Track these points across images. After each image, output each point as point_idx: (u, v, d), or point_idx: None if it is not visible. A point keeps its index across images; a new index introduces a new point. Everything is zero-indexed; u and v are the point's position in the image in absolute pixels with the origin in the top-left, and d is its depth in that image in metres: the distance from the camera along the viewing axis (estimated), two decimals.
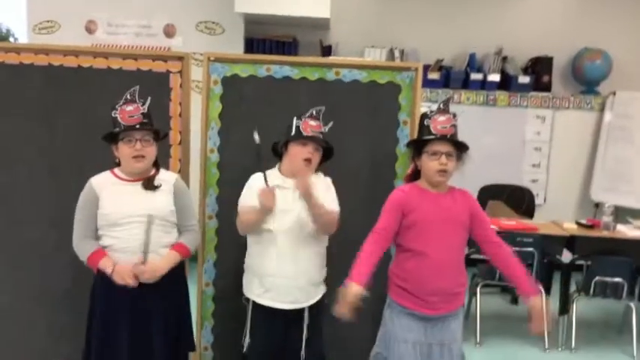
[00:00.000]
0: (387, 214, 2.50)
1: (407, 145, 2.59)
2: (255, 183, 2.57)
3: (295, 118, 2.54)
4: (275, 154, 2.63)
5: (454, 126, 2.44)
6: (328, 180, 2.66)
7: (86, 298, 2.66)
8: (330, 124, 2.58)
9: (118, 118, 2.44)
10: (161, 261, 2.47)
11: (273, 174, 2.59)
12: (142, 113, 2.46)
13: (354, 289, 2.32)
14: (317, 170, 2.64)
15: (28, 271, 3.06)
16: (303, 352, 2.57)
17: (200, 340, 3.09)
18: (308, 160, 2.51)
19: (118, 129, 2.44)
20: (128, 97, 2.47)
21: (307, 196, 2.43)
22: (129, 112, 2.44)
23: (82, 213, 2.51)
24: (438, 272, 2.41)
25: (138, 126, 2.43)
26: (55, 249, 3.00)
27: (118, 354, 2.50)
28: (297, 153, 2.52)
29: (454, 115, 2.47)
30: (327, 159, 2.64)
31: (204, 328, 3.09)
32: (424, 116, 2.51)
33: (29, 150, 2.99)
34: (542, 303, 2.39)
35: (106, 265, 2.44)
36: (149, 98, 2.51)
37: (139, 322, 2.49)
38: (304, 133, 2.50)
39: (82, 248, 2.50)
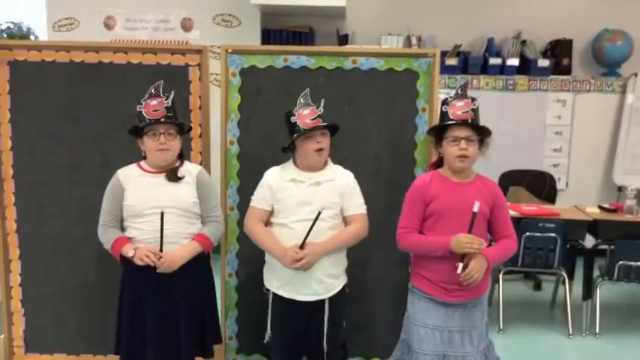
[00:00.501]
0: (409, 208, 2.51)
1: (427, 133, 2.58)
2: (268, 181, 2.60)
3: (291, 116, 2.52)
4: (286, 150, 2.61)
5: (473, 110, 2.42)
6: (351, 178, 2.63)
7: (112, 291, 2.71)
8: (322, 101, 2.54)
9: (143, 113, 2.48)
10: (179, 251, 2.50)
11: (289, 168, 2.60)
12: (166, 107, 2.50)
13: (461, 236, 2.35)
14: (335, 162, 2.65)
15: (54, 265, 3.12)
16: (325, 343, 2.58)
17: (225, 329, 3.13)
18: (320, 150, 2.51)
19: (142, 123, 2.48)
20: (152, 91, 2.52)
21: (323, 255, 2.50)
22: (153, 106, 2.48)
23: (108, 203, 2.57)
24: (453, 263, 2.40)
25: (163, 119, 2.48)
26: (81, 243, 3.07)
27: (146, 344, 2.54)
28: (306, 149, 2.51)
29: (473, 100, 2.45)
30: (334, 134, 2.60)
31: (229, 318, 3.13)
32: (443, 103, 2.50)
33: (54, 145, 3.04)
34: (478, 262, 2.36)
35: (128, 250, 2.48)
36: (173, 92, 2.55)
37: (165, 313, 2.54)
38: (303, 128, 2.48)
39: (107, 237, 2.56)
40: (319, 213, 2.44)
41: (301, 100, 2.54)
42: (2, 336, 3.17)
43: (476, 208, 2.37)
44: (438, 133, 2.50)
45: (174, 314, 2.55)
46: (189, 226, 2.56)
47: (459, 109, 2.42)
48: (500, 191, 2.54)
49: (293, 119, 2.51)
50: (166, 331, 2.54)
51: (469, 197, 2.42)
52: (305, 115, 2.50)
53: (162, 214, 2.45)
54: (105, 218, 2.57)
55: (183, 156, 2.65)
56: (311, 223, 2.46)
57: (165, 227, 2.47)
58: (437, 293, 2.46)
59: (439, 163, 2.57)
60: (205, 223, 2.62)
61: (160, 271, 2.46)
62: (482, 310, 2.53)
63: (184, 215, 2.54)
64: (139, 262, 2.45)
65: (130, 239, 2.52)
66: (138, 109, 2.49)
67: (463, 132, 2.40)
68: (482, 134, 2.45)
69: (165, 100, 2.51)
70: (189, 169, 2.61)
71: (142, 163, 2.60)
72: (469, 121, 2.41)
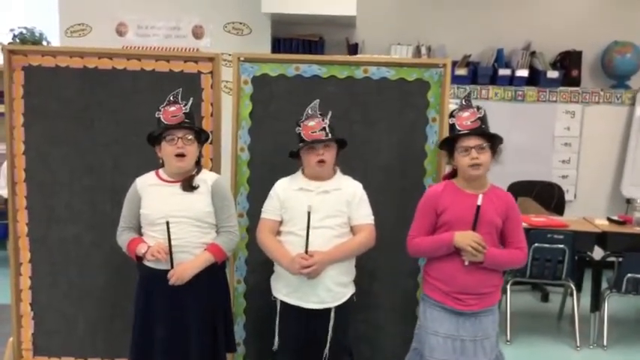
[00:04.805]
0: (420, 216, 2.55)
1: (439, 147, 2.62)
2: (276, 191, 2.63)
3: (296, 126, 2.56)
4: (292, 156, 2.64)
5: (480, 119, 2.44)
6: (359, 188, 2.64)
7: (121, 296, 2.71)
8: (329, 114, 2.57)
9: (162, 119, 2.51)
10: (190, 262, 2.51)
11: (298, 177, 2.63)
12: (185, 113, 2.52)
13: (470, 232, 2.40)
14: (345, 170, 2.67)
15: (64, 269, 3.13)
16: (327, 351, 2.59)
17: None
18: (321, 162, 2.53)
19: (160, 128, 2.51)
20: (171, 98, 2.54)
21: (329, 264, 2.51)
22: (172, 112, 2.51)
23: (126, 209, 2.62)
24: (466, 272, 2.43)
25: (186, 123, 2.51)
26: (92, 247, 3.09)
27: (155, 350, 2.55)
28: (308, 159, 2.55)
29: (478, 108, 2.47)
30: (342, 147, 2.63)
31: (237, 324, 3.12)
32: (450, 115, 2.54)
33: (66, 150, 3.06)
34: (476, 255, 2.39)
35: (141, 248, 2.51)
36: (191, 99, 2.57)
37: (176, 320, 2.54)
38: (306, 139, 2.52)
39: (123, 239, 2.60)
40: (309, 213, 2.47)
41: (309, 111, 2.57)
42: (11, 339, 3.18)
43: (479, 202, 2.40)
44: (450, 145, 2.52)
45: (185, 323, 2.55)
46: (202, 235, 2.56)
47: (465, 120, 2.45)
48: (515, 203, 2.54)
49: (298, 130, 2.55)
50: (176, 339, 2.55)
51: (484, 210, 2.43)
52: (309, 126, 2.53)
53: (167, 223, 2.47)
54: (122, 224, 2.63)
55: (200, 164, 2.66)
56: (318, 230, 2.50)
57: (177, 236, 2.49)
58: (449, 302, 2.47)
59: (453, 175, 2.58)
60: (219, 233, 2.61)
61: (172, 284, 2.47)
62: (493, 319, 2.54)
63: (197, 225, 2.54)
64: (150, 259, 2.48)
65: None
66: (157, 116, 2.52)
67: (472, 141, 2.42)
68: (493, 141, 2.46)
69: (184, 106, 2.53)
70: (205, 178, 2.61)
71: (160, 171, 2.61)
72: (477, 129, 2.43)
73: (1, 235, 5.72)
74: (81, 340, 3.18)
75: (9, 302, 3.16)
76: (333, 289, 2.56)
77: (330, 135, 2.53)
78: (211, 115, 3.03)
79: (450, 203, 2.47)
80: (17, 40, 5.50)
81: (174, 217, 2.50)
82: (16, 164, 3.07)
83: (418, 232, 2.54)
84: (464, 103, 2.50)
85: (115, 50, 3.18)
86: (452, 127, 2.51)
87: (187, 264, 2.50)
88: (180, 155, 2.50)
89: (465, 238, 2.39)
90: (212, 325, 2.61)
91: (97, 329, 3.16)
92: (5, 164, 3.28)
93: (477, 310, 2.46)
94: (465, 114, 2.46)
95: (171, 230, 2.47)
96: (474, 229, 2.40)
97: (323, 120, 2.54)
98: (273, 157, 3.00)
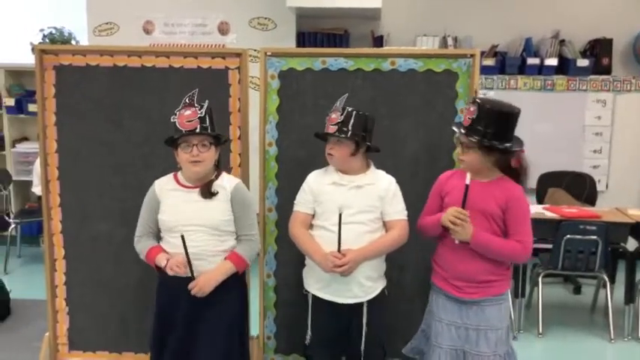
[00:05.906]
0: (429, 198, 2.63)
1: None
2: (309, 184, 2.64)
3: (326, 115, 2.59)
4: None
5: (475, 118, 2.38)
6: (392, 183, 2.62)
7: (153, 292, 2.74)
8: (347, 110, 2.52)
9: (177, 124, 2.44)
10: (212, 273, 2.48)
11: (331, 171, 2.63)
12: (200, 117, 2.43)
13: (451, 209, 2.43)
14: (378, 167, 2.66)
15: (97, 265, 3.18)
16: (362, 346, 2.59)
17: (263, 329, 3.16)
18: (329, 155, 2.55)
19: (176, 135, 2.45)
20: (187, 101, 2.47)
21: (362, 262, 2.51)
22: (187, 116, 2.43)
23: (145, 213, 2.61)
24: (461, 259, 2.45)
25: (198, 129, 2.42)
26: (123, 244, 3.10)
27: (168, 354, 2.56)
28: (326, 149, 2.58)
29: (479, 106, 2.40)
30: (371, 150, 2.61)
31: (267, 318, 3.15)
32: None
33: (98, 148, 3.10)
34: (467, 238, 2.38)
35: (161, 260, 2.49)
36: (207, 101, 2.51)
37: (191, 327, 2.53)
38: (325, 130, 2.55)
39: (141, 246, 2.59)
40: (340, 214, 2.47)
41: (337, 103, 2.58)
42: (47, 333, 3.25)
43: (467, 180, 2.40)
44: None
45: (199, 331, 2.52)
46: (219, 243, 2.52)
47: (466, 115, 2.46)
48: (520, 196, 2.46)
49: (326, 119, 2.57)
50: (188, 347, 2.53)
51: (480, 197, 2.42)
52: (330, 119, 2.55)
53: (182, 237, 2.42)
54: (140, 230, 2.61)
55: (219, 167, 2.61)
56: (350, 226, 2.50)
57: (193, 244, 2.45)
58: (450, 289, 2.49)
59: None
60: (240, 240, 2.57)
61: (194, 294, 2.45)
62: (500, 310, 2.49)
63: (214, 234, 2.50)
64: (170, 273, 2.47)
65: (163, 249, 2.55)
66: (172, 120, 2.45)
67: (462, 137, 2.43)
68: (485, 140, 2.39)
69: (199, 110, 2.45)
70: (225, 185, 2.55)
71: (179, 175, 2.58)
72: (466, 127, 2.41)
73: (36, 232, 5.86)
74: (115, 335, 3.23)
75: (45, 298, 3.23)
76: (365, 284, 2.56)
77: (341, 131, 2.50)
78: (239, 110, 3.04)
79: (452, 188, 2.51)
80: (47, 40, 5.61)
81: (191, 225, 2.47)
82: (49, 162, 3.12)
83: (425, 213, 2.61)
84: (470, 99, 2.52)
85: (144, 48, 3.22)
86: None
87: (209, 275, 2.47)
88: (196, 162, 2.45)
89: (447, 214, 2.41)
90: (227, 338, 2.56)
91: (130, 324, 3.21)
92: (38, 162, 3.35)
93: (478, 298, 2.44)
94: (472, 109, 2.43)
95: (188, 238, 2.43)
96: (463, 207, 2.41)
97: (341, 115, 2.52)
98: (301, 151, 3.01)
